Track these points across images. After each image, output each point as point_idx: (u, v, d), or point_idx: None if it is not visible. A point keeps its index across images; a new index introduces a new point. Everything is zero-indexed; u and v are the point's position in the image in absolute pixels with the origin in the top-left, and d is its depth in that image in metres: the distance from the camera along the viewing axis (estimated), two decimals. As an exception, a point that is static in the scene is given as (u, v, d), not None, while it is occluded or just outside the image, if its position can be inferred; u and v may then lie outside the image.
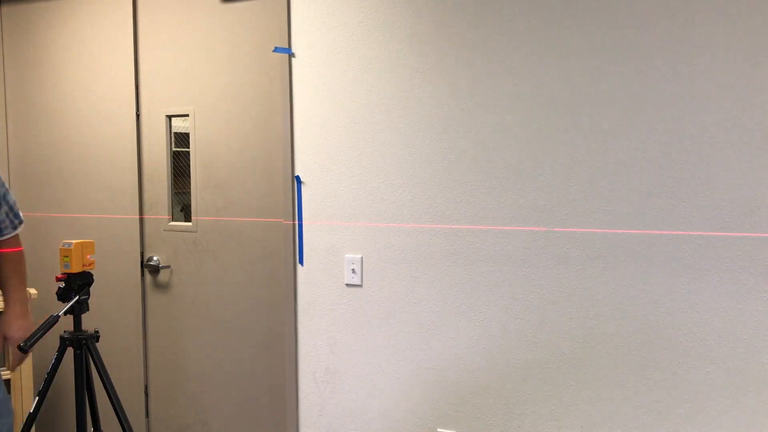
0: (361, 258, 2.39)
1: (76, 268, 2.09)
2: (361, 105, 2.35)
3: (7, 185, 2.10)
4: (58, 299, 2.10)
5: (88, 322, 3.01)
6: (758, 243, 1.86)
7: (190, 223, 2.78)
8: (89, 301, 2.95)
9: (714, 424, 1.93)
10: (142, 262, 2.88)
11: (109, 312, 2.96)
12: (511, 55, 2.12)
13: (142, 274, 2.89)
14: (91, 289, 2.96)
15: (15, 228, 1.98)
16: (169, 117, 2.80)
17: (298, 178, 2.48)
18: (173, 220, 2.83)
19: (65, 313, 2.05)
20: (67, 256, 2.05)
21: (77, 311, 2.13)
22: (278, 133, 2.53)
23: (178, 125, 2.80)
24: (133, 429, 2.93)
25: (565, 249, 2.08)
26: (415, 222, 2.29)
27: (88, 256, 2.10)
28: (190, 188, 2.78)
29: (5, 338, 1.99)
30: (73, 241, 2.11)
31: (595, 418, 2.08)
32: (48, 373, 2.10)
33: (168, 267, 2.82)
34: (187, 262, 2.79)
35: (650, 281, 1.98)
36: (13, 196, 2.02)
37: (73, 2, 2.93)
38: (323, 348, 2.48)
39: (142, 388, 2.92)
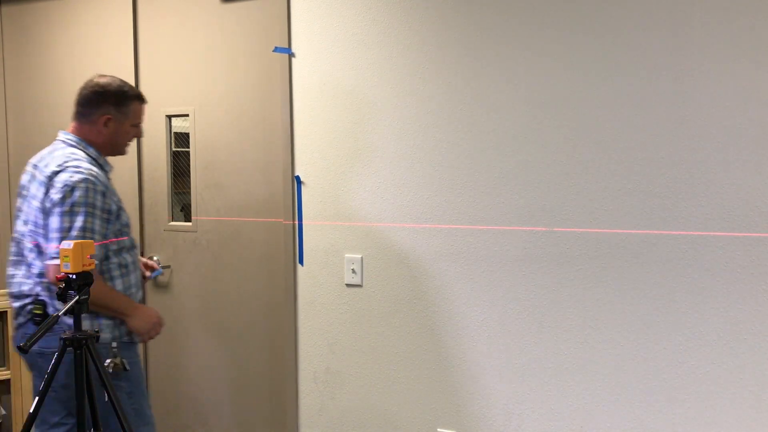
0: (361, 258, 2.39)
1: (76, 268, 2.08)
2: (362, 105, 2.35)
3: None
4: (58, 299, 2.09)
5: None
6: (758, 243, 1.86)
7: (190, 223, 2.78)
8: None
9: (713, 424, 1.93)
10: (142, 262, 2.87)
11: (109, 312, 2.95)
12: (512, 56, 2.12)
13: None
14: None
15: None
16: (169, 117, 2.79)
17: (298, 178, 2.48)
18: (173, 220, 2.83)
19: (65, 313, 2.05)
20: (67, 256, 2.05)
21: (77, 311, 2.12)
22: (278, 133, 2.53)
23: (178, 125, 2.80)
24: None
25: (565, 249, 2.08)
26: (415, 222, 2.29)
27: (88, 256, 2.09)
28: (190, 188, 2.77)
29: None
30: (73, 241, 2.10)
31: (595, 418, 2.08)
32: (48, 373, 2.10)
33: (168, 267, 2.82)
34: (187, 262, 2.78)
35: (650, 281, 1.98)
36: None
37: (73, 2, 2.92)
38: (323, 348, 2.48)
39: (142, 388, 2.92)
